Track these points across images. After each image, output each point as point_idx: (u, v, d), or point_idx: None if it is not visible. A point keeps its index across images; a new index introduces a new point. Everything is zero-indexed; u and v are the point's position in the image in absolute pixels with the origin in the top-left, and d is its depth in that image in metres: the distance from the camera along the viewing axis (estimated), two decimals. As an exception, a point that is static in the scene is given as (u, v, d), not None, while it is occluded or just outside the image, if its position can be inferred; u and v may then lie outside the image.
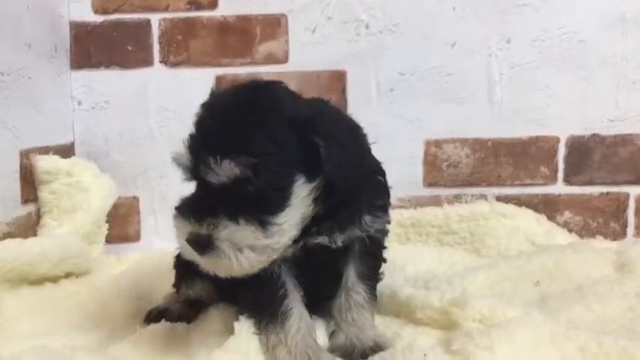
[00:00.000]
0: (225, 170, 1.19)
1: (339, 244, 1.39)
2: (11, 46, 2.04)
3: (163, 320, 1.61)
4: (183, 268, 1.71)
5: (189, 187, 1.64)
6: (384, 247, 1.55)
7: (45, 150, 2.22)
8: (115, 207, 2.38)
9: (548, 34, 2.34)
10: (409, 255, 2.14)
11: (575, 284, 1.75)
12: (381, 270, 1.56)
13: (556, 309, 1.55)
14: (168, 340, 1.51)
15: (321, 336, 1.45)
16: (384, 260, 1.56)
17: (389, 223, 1.52)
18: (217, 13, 2.41)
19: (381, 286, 1.68)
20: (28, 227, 2.13)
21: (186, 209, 1.25)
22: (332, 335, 1.47)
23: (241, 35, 2.41)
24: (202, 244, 1.20)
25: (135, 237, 2.51)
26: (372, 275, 1.51)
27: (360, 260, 1.48)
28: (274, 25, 2.41)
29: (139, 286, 1.89)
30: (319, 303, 1.48)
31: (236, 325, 1.37)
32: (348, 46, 2.40)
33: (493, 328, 1.29)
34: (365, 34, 2.40)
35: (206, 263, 1.24)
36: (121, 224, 2.48)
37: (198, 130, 1.27)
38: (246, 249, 1.21)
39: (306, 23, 2.40)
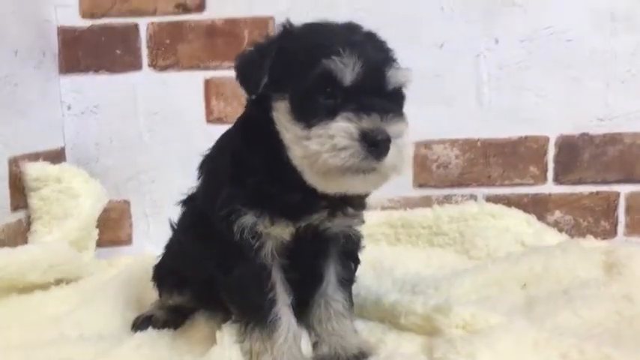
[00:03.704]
0: (398, 79, 1.27)
1: (332, 227, 1.38)
2: (-3, 54, 2.05)
3: (150, 328, 1.63)
4: (163, 279, 1.72)
5: (180, 191, 1.65)
6: (362, 247, 1.54)
7: (35, 156, 2.23)
8: (107, 211, 2.39)
9: (536, 34, 2.33)
10: (399, 256, 2.15)
11: (563, 286, 1.74)
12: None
13: (542, 313, 1.55)
14: (154, 348, 1.52)
15: (304, 345, 1.44)
16: (359, 262, 1.55)
17: (363, 222, 1.50)
18: (205, 16, 2.40)
19: (366, 291, 1.68)
20: (18, 234, 2.13)
21: (346, 109, 1.18)
22: (315, 346, 1.47)
23: (229, 38, 2.40)
24: (381, 140, 1.16)
25: (127, 240, 2.51)
26: (350, 279, 1.51)
27: (340, 262, 1.48)
28: (262, 27, 2.39)
29: (128, 293, 1.89)
30: (300, 305, 1.46)
31: (218, 333, 1.38)
32: (336, 48, 2.39)
33: (475, 335, 1.30)
34: (353, 35, 2.38)
35: (377, 169, 1.20)
36: (113, 228, 2.49)
37: (348, 45, 1.22)
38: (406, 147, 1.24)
39: (293, 25, 2.38)
